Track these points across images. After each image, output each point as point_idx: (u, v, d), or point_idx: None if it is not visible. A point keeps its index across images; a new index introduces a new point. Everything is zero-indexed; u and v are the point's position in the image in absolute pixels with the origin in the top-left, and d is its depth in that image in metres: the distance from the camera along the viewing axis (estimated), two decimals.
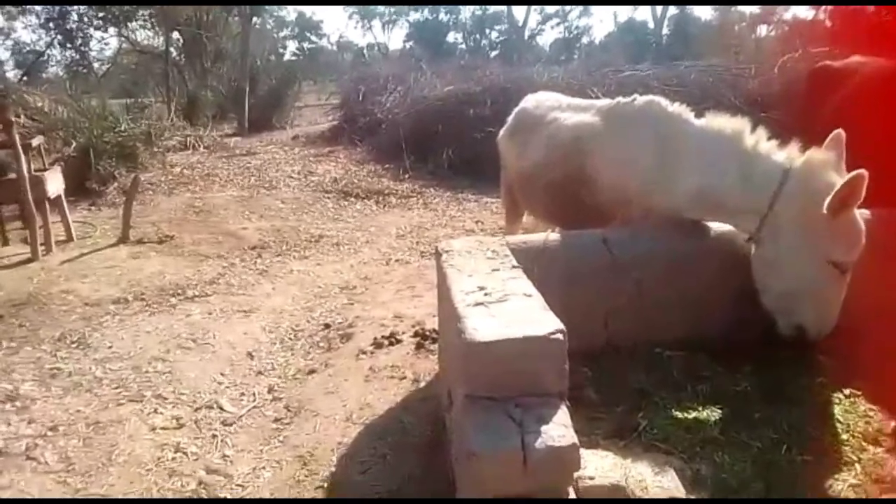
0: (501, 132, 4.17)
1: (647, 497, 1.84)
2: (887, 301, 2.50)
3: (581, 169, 3.17)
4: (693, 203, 2.72)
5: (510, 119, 4.11)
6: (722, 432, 2.21)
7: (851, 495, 1.96)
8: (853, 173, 2.28)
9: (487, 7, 40.55)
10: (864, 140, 2.55)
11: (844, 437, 2.20)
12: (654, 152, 2.85)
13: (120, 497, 2.51)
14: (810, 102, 3.92)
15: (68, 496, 2.52)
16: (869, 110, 3.27)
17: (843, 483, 1.99)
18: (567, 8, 40.98)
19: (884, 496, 1.96)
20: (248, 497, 2.53)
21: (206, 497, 2.53)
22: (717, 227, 2.86)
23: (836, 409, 2.33)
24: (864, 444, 2.17)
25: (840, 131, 2.53)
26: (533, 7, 38.46)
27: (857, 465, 2.07)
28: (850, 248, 2.40)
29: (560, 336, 1.78)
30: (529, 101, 4.00)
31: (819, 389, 2.43)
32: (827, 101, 3.62)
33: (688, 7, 33.50)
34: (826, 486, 1.98)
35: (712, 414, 2.32)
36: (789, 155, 2.54)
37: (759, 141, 2.61)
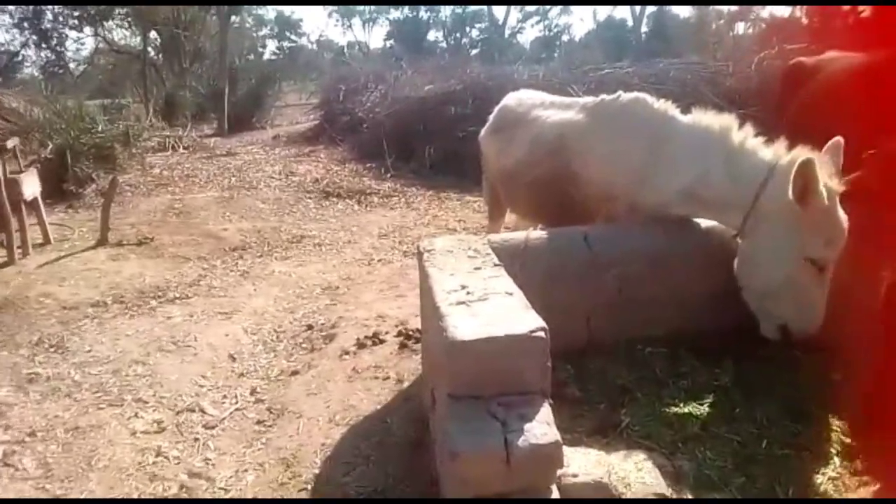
0: (483, 130, 4.17)
1: (629, 493, 1.86)
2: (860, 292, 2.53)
3: (566, 166, 3.18)
4: (680, 199, 2.74)
5: (492, 117, 4.11)
6: (703, 428, 2.24)
7: (830, 488, 1.99)
8: (800, 159, 2.31)
9: (467, 5, 40.61)
10: (828, 134, 2.58)
11: (823, 431, 2.23)
12: (640, 149, 2.87)
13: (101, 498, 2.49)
14: (783, 99, 3.96)
15: None
16: (833, 105, 3.30)
17: (822, 476, 2.03)
18: (547, 6, 41.11)
19: (861, 489, 1.99)
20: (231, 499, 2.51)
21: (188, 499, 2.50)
22: (700, 223, 2.88)
23: (815, 404, 2.36)
24: (842, 437, 2.20)
25: (839, 138, 2.54)
26: (513, 6, 38.56)
27: (835, 459, 2.11)
28: (825, 244, 2.39)
29: (542, 334, 1.79)
30: (511, 99, 4.01)
31: (798, 384, 2.46)
32: (796, 96, 3.67)
33: (666, 5, 33.73)
34: (805, 479, 2.00)
35: (694, 410, 2.34)
36: (776, 152, 2.56)
37: (746, 138, 2.63)
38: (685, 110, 2.89)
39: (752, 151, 2.59)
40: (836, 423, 2.26)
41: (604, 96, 3.24)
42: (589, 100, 3.36)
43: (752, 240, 2.53)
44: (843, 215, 2.39)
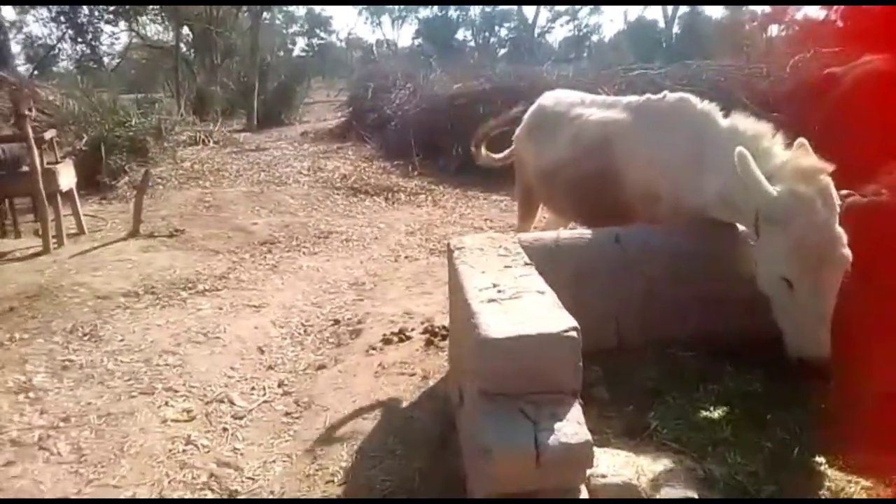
0: (518, 130, 4.15)
1: (658, 496, 1.84)
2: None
3: (609, 165, 3.16)
4: (718, 203, 2.69)
5: (527, 116, 4.09)
6: (734, 433, 2.20)
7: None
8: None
9: (497, 5, 40.52)
10: (852, 138, 2.53)
11: (858, 440, 2.19)
12: (685, 150, 2.83)
13: (131, 489, 2.53)
14: (813, 108, 3.91)
15: (80, 486, 2.54)
16: (856, 110, 3.26)
17: (855, 486, 1.98)
18: (577, 6, 40.86)
19: None
20: (257, 491, 2.54)
21: (217, 489, 2.54)
22: (736, 227, 2.84)
23: (849, 413, 2.31)
24: (877, 447, 2.16)
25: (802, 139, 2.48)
26: (543, 5, 38.39)
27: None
28: (794, 265, 2.24)
29: (574, 334, 1.78)
30: (548, 98, 3.99)
31: (832, 391, 2.41)
32: (824, 102, 3.62)
33: (698, 6, 33.34)
34: (839, 489, 1.97)
35: (724, 414, 2.31)
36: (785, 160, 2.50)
37: (773, 145, 2.57)
38: (730, 114, 2.85)
39: (773, 156, 2.53)
40: (871, 433, 2.22)
41: (649, 95, 3.22)
42: (633, 98, 3.33)
43: (754, 249, 2.47)
44: (829, 236, 2.23)
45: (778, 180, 2.35)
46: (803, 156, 2.39)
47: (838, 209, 2.29)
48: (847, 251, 2.23)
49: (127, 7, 19.00)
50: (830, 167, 2.31)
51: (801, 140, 2.44)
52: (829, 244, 2.22)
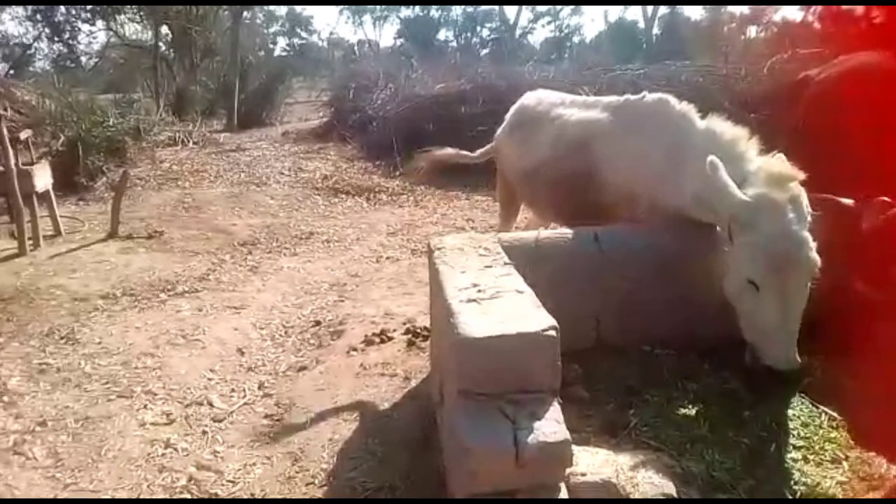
0: (500, 129, 4.17)
1: (637, 493, 1.86)
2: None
3: (588, 164, 3.18)
4: (695, 204, 2.72)
5: (509, 116, 4.11)
6: (711, 430, 2.23)
7: (839, 493, 1.98)
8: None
9: (479, 5, 40.58)
10: (824, 141, 2.57)
11: (833, 434, 2.23)
12: (663, 150, 2.85)
13: (109, 493, 2.50)
14: (789, 111, 3.95)
15: (57, 491, 2.50)
16: (828, 111, 3.30)
17: (830, 480, 2.02)
18: (558, 7, 41.02)
19: (870, 493, 1.99)
20: (238, 494, 2.52)
21: (196, 493, 2.52)
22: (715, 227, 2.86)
23: (825, 408, 2.35)
24: (851, 441, 2.20)
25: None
26: (524, 6, 38.49)
27: (844, 463, 2.10)
28: (761, 268, 2.26)
29: (552, 333, 1.80)
30: (530, 98, 4.01)
31: (807, 388, 2.45)
32: (797, 104, 3.67)
33: (678, 7, 33.61)
34: (814, 483, 2.00)
35: (702, 412, 2.34)
36: (759, 163, 2.53)
37: (748, 149, 2.60)
38: (707, 115, 2.88)
39: (747, 161, 2.55)
40: (845, 428, 2.26)
41: (628, 96, 3.25)
42: (613, 99, 3.37)
43: (727, 253, 2.50)
44: (796, 240, 2.26)
45: (750, 185, 2.38)
46: (776, 162, 2.42)
47: (809, 216, 2.32)
48: (815, 255, 2.26)
49: (105, 6, 18.77)
50: (802, 175, 2.35)
51: (780, 154, 2.47)
52: (796, 248, 2.24)
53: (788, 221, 2.26)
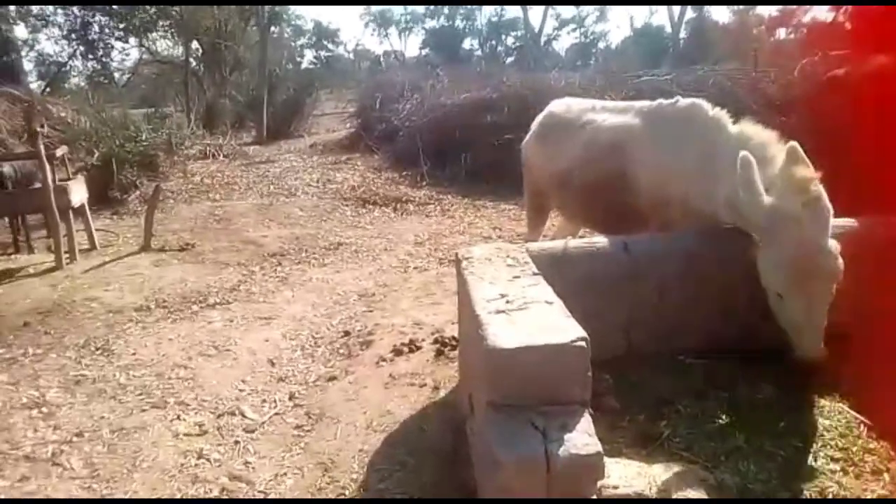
0: (528, 137, 4.17)
1: None
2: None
3: (621, 169, 3.18)
4: (726, 209, 2.68)
5: (536, 123, 4.11)
6: (746, 441, 2.19)
7: None
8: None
9: (503, 13, 40.63)
10: (859, 140, 2.52)
11: (872, 445, 2.17)
12: (696, 155, 2.83)
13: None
14: (820, 112, 3.89)
15: None
16: (862, 112, 3.24)
17: (871, 493, 1.96)
18: (583, 13, 40.89)
19: None
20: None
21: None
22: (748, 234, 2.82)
23: (863, 418, 2.29)
24: (892, 453, 2.14)
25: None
26: (549, 13, 38.41)
27: (885, 475, 2.04)
28: (781, 279, 2.29)
29: (583, 344, 1.78)
30: (558, 105, 4.01)
31: (844, 398, 2.39)
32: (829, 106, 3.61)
33: (705, 10, 33.23)
34: (854, 496, 1.95)
35: (736, 422, 2.29)
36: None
37: (779, 153, 2.56)
38: (740, 120, 2.85)
39: (775, 166, 2.51)
40: (886, 438, 2.20)
41: (661, 101, 3.24)
42: (645, 104, 3.35)
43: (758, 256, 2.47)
44: (815, 249, 2.25)
45: (774, 190, 2.35)
46: (794, 165, 2.38)
47: (830, 217, 2.29)
48: (837, 262, 2.25)
49: (137, 23, 19.19)
50: (818, 174, 2.32)
51: (793, 145, 2.44)
52: (815, 258, 2.24)
53: (805, 232, 2.25)
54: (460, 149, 9.73)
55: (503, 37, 42.40)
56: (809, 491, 1.97)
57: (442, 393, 3.17)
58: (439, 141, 10.23)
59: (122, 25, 19.76)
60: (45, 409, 3.20)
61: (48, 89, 19.45)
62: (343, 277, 5.43)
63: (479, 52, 40.64)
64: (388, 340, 3.90)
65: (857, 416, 2.30)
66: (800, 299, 2.25)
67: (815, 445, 2.16)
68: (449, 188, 8.97)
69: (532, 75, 12.73)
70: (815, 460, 2.10)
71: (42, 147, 5.62)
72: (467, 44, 42.51)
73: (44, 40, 22.60)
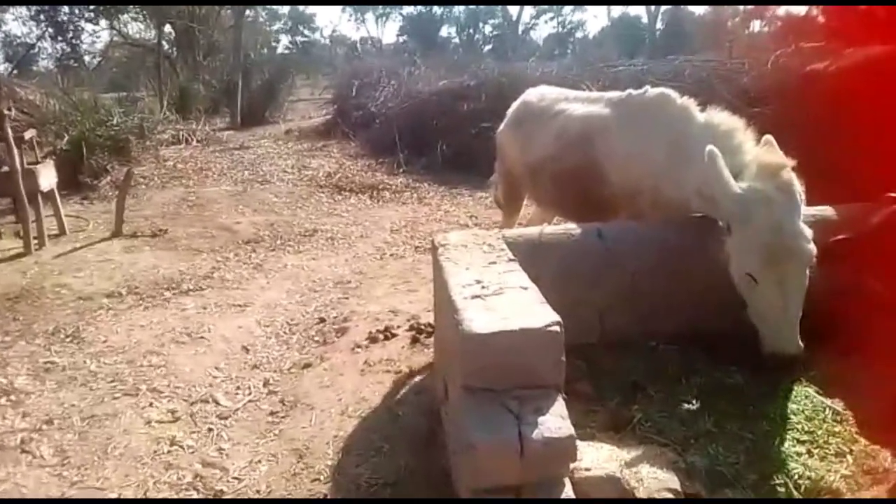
0: (502, 125, 4.18)
1: (642, 488, 1.86)
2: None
3: (591, 159, 3.19)
4: (696, 196, 2.72)
5: (511, 112, 4.12)
6: (716, 425, 2.23)
7: (843, 486, 1.98)
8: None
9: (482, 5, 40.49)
10: (838, 134, 2.57)
11: (837, 428, 2.22)
12: (665, 144, 2.86)
13: (115, 491, 2.52)
14: (795, 101, 3.95)
15: (64, 489, 2.52)
16: (841, 104, 3.30)
17: (835, 474, 2.02)
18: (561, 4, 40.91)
19: (874, 487, 1.99)
20: (243, 491, 2.53)
21: (202, 490, 2.53)
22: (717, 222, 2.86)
23: (829, 402, 2.35)
24: (855, 435, 2.19)
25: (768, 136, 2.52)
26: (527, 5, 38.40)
27: (848, 457, 2.10)
28: (756, 262, 2.30)
29: (557, 328, 1.80)
30: (532, 94, 4.02)
31: (812, 382, 2.45)
32: (808, 99, 3.67)
33: (681, 4, 33.49)
34: (818, 477, 2.00)
35: (706, 407, 2.33)
36: (754, 155, 2.54)
37: (746, 140, 2.61)
38: (706, 108, 2.89)
39: (743, 152, 2.56)
40: (849, 421, 2.25)
41: (630, 91, 3.25)
42: (615, 94, 3.38)
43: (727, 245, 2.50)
44: (789, 232, 2.28)
45: (745, 177, 2.39)
46: (767, 152, 2.42)
47: (802, 204, 2.32)
48: (810, 246, 2.28)
49: (108, 5, 18.81)
50: (792, 162, 2.36)
51: (768, 137, 2.48)
52: (789, 241, 2.27)
53: (780, 214, 2.29)
54: (437, 136, 9.70)
55: (481, 25, 42.31)
56: (777, 474, 2.02)
57: (417, 379, 3.18)
58: (416, 128, 10.19)
59: (91, 7, 19.34)
60: (13, 397, 3.14)
61: (15, 71, 19.01)
62: (319, 265, 5.40)
63: (456, 40, 40.56)
64: (363, 327, 3.90)
65: (824, 400, 2.36)
66: (774, 283, 2.28)
67: (782, 429, 2.20)
68: (425, 176, 8.95)
69: (509, 64, 12.73)
70: (782, 443, 2.14)
71: (9, 130, 5.49)
72: (445, 31, 42.38)
73: (11, 21, 22.08)
